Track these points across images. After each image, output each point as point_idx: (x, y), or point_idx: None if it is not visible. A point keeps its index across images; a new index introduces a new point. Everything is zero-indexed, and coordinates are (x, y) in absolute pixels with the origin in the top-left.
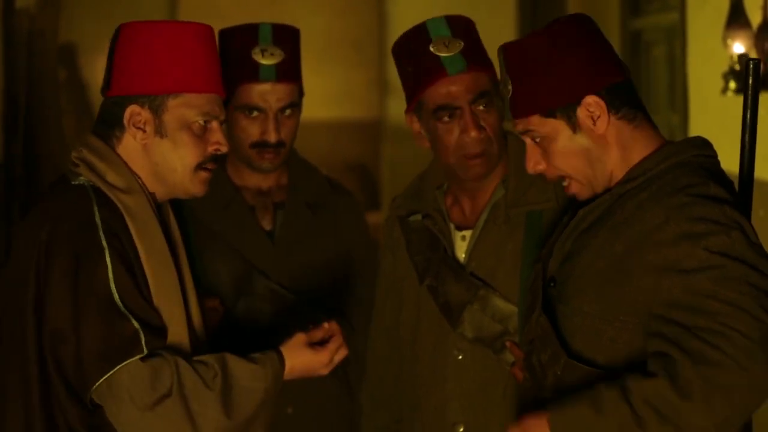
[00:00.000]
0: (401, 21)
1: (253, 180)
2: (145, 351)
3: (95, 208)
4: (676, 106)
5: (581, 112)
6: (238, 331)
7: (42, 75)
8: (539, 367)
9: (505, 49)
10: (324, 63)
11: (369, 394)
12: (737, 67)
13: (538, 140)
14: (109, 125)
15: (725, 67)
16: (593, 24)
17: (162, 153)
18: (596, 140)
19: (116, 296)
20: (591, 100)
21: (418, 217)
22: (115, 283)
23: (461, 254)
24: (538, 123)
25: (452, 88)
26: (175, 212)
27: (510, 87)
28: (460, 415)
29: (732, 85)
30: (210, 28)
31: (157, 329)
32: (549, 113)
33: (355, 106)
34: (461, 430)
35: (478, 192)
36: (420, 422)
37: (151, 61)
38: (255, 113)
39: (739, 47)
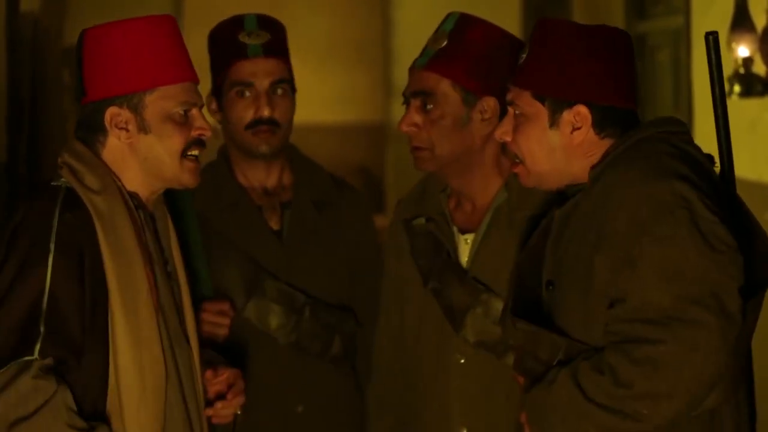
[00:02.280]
0: (405, 23)
1: (257, 178)
2: (35, 356)
3: (56, 211)
4: (681, 110)
5: (567, 115)
6: (249, 332)
7: (46, 76)
8: (538, 365)
9: (539, 21)
10: (327, 66)
11: (375, 396)
12: (742, 70)
13: (517, 113)
14: (91, 130)
15: (730, 71)
16: (631, 47)
17: (149, 147)
18: (566, 146)
19: (45, 298)
20: (582, 110)
21: (422, 220)
22: (51, 285)
23: (464, 258)
24: (526, 101)
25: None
26: (180, 215)
27: (524, 55)
28: (463, 418)
29: (737, 88)
30: (172, 18)
31: (65, 342)
32: (539, 97)
33: (359, 108)
34: None
35: (479, 194)
36: (423, 425)
37: (121, 61)
38: (246, 93)
39: (743, 50)
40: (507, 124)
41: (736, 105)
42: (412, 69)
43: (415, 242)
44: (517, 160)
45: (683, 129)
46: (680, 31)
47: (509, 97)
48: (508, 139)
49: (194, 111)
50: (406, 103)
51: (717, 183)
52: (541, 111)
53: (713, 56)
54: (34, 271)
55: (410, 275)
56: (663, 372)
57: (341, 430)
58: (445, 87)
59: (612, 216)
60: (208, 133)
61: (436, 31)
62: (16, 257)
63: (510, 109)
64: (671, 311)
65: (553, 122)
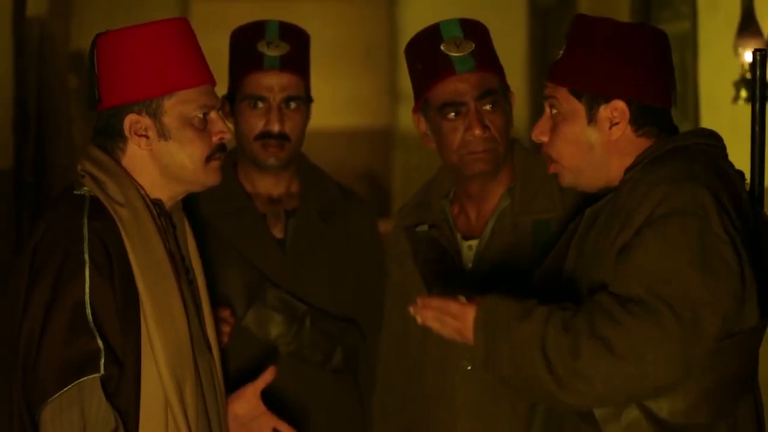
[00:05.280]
0: (412, 29)
1: (264, 186)
2: (102, 372)
3: (85, 220)
4: (688, 115)
5: (604, 111)
6: (250, 341)
7: (52, 82)
8: None
9: (577, 17)
10: (335, 72)
11: (379, 403)
12: (748, 75)
13: (554, 112)
14: (110, 138)
15: (736, 76)
16: (669, 47)
17: (170, 154)
18: (605, 143)
19: (88, 311)
20: (620, 105)
21: (425, 227)
22: (90, 297)
23: (468, 264)
24: (564, 97)
25: (459, 85)
26: (190, 221)
27: (561, 52)
28: (469, 425)
29: (743, 93)
30: (186, 21)
31: (116, 355)
32: (577, 93)
33: (366, 114)
34: None
35: (483, 200)
36: None
37: (138, 67)
38: (259, 104)
39: (750, 55)
40: (544, 124)
41: (742, 110)
42: (452, 76)
43: (419, 249)
44: (552, 160)
45: (720, 144)
46: (687, 36)
47: (547, 92)
48: (545, 139)
49: (213, 114)
50: (442, 112)
51: (745, 202)
52: (579, 108)
53: (758, 73)
54: (73, 283)
55: (413, 282)
56: (613, 360)
57: None
58: (496, 82)
59: (635, 209)
60: (228, 136)
61: (443, 39)
62: (52, 270)
63: (546, 109)
64: (644, 305)
65: (591, 119)
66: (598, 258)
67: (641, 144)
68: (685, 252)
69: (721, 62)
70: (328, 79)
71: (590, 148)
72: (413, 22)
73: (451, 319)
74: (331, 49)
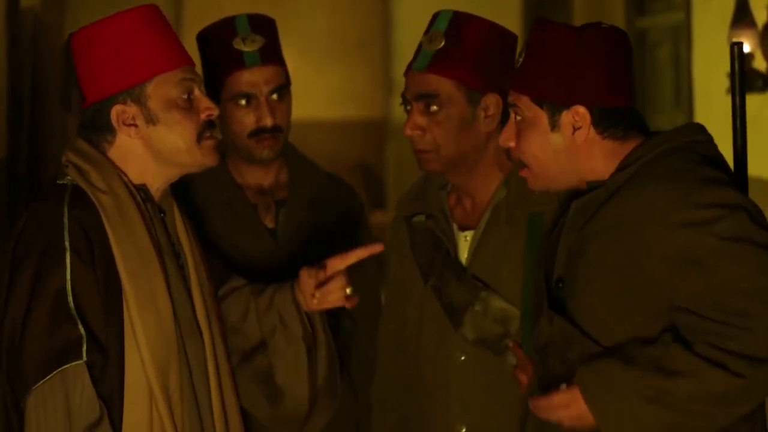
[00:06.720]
0: (405, 21)
1: (253, 177)
2: (84, 358)
3: (65, 209)
4: (681, 106)
5: (566, 117)
6: None
7: (46, 73)
8: (564, 366)
9: (534, 23)
10: (329, 63)
11: (378, 394)
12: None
13: (518, 119)
14: (97, 131)
15: (730, 67)
16: (627, 45)
17: (160, 138)
18: (569, 147)
19: (70, 298)
20: (580, 110)
21: (422, 217)
22: (71, 284)
23: (464, 255)
24: (526, 104)
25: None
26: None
27: (521, 59)
28: (463, 416)
29: None
30: (155, 6)
31: (99, 342)
32: (538, 101)
33: (359, 105)
34: (463, 431)
35: (479, 191)
36: (424, 423)
37: (115, 58)
38: (246, 101)
39: (744, 46)
40: (510, 130)
41: None
42: (410, 71)
43: (415, 240)
44: (523, 165)
45: (708, 138)
46: (680, 27)
47: (510, 100)
48: (512, 144)
49: (197, 92)
50: (405, 104)
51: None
52: (541, 114)
53: (737, 66)
54: (54, 271)
55: (412, 273)
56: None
57: (335, 430)
58: (449, 87)
59: (657, 222)
60: (216, 112)
61: (428, 31)
62: (33, 258)
63: (512, 114)
64: (750, 300)
65: (554, 125)
66: (605, 273)
67: (607, 146)
68: (759, 240)
69: (714, 53)
70: (322, 70)
71: (556, 153)
72: (407, 13)
73: (563, 410)
74: (325, 41)
